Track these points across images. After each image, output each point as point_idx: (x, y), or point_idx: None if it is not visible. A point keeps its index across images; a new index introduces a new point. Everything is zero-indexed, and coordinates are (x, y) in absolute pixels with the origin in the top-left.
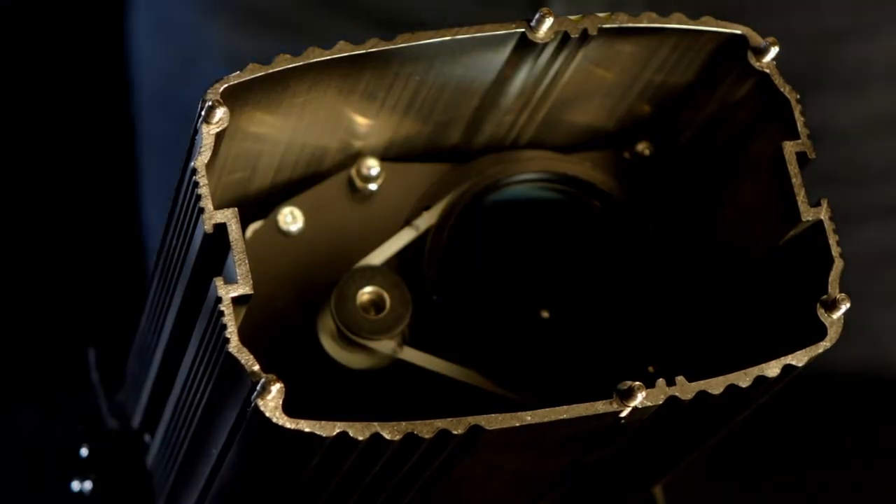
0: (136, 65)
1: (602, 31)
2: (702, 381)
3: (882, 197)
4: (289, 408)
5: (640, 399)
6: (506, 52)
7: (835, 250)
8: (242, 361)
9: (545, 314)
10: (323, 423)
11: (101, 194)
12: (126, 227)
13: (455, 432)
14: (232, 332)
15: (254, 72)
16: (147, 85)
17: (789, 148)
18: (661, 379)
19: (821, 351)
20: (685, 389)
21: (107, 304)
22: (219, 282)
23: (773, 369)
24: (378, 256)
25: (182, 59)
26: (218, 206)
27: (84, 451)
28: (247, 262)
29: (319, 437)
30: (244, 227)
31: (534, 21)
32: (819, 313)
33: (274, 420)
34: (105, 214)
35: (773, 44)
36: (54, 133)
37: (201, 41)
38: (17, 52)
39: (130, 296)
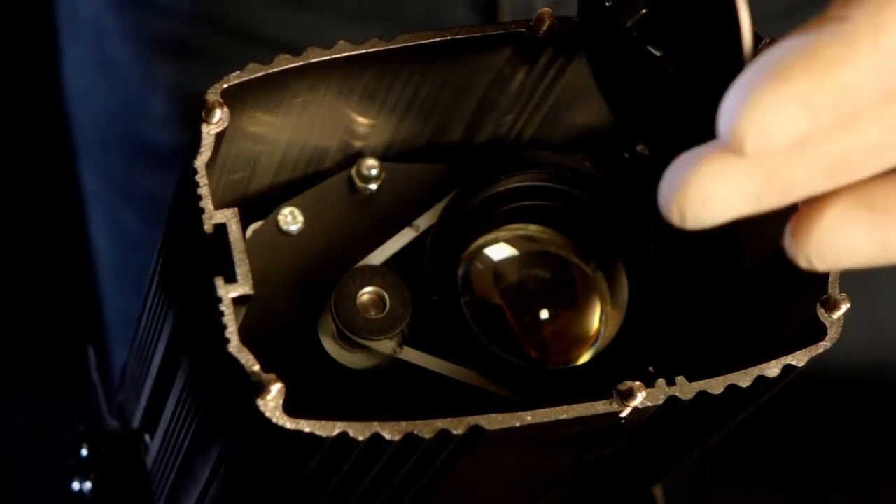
0: (74, 100)
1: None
2: (702, 381)
3: None
4: (289, 408)
5: (640, 399)
6: (506, 52)
7: None
8: (242, 361)
9: (545, 314)
10: (323, 423)
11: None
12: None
13: (455, 432)
14: (232, 332)
15: (254, 72)
16: (89, 120)
17: None
18: (661, 379)
19: (821, 351)
20: (685, 389)
21: (107, 305)
22: (219, 282)
23: (773, 369)
24: (378, 256)
25: (126, 96)
26: (218, 206)
27: (84, 451)
28: (247, 262)
29: (319, 437)
30: (244, 227)
31: (534, 21)
32: (819, 313)
33: (274, 420)
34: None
35: (772, 43)
36: (63, 135)
37: (147, 79)
38: None
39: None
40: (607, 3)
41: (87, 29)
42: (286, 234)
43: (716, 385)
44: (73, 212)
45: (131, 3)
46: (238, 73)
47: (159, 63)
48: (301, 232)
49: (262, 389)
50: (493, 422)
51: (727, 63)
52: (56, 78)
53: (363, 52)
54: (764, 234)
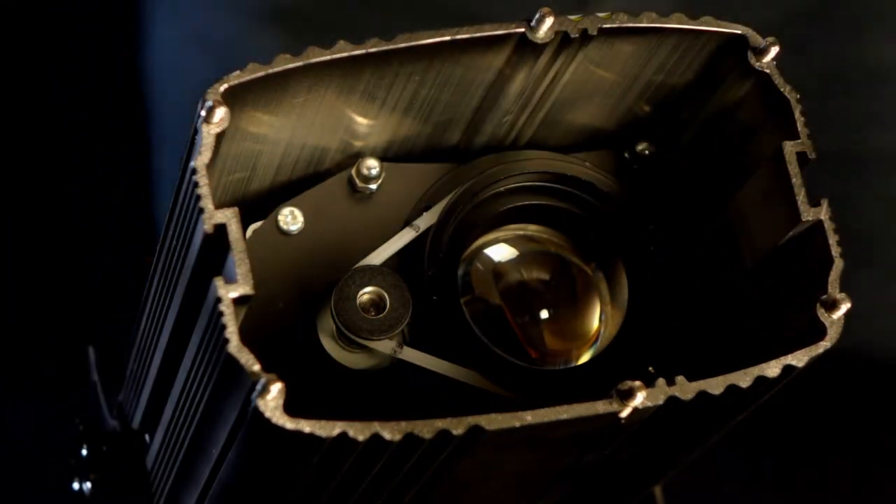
0: (161, 75)
1: (602, 31)
2: (702, 381)
3: None
4: (289, 408)
5: (640, 399)
6: (506, 52)
7: (835, 250)
8: (242, 361)
9: (545, 314)
10: (323, 423)
11: (114, 195)
12: (134, 231)
13: (455, 432)
14: (232, 332)
15: (254, 72)
16: (176, 95)
17: (789, 148)
18: (661, 379)
19: (821, 351)
20: (685, 389)
21: (107, 305)
22: (219, 282)
23: (773, 369)
24: (378, 256)
25: (224, 69)
26: (218, 206)
27: (84, 451)
28: (247, 262)
29: (319, 437)
30: (244, 227)
31: (534, 21)
32: (819, 313)
33: (274, 420)
34: (118, 216)
35: (772, 44)
36: (63, 134)
37: (247, 51)
38: (20, 63)
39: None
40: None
41: (183, 3)
42: (286, 234)
43: (716, 385)
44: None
45: None
46: (238, 72)
47: (259, 34)
48: (301, 232)
49: (262, 389)
50: (493, 422)
51: None
52: (134, 58)
53: (363, 52)
54: (764, 233)
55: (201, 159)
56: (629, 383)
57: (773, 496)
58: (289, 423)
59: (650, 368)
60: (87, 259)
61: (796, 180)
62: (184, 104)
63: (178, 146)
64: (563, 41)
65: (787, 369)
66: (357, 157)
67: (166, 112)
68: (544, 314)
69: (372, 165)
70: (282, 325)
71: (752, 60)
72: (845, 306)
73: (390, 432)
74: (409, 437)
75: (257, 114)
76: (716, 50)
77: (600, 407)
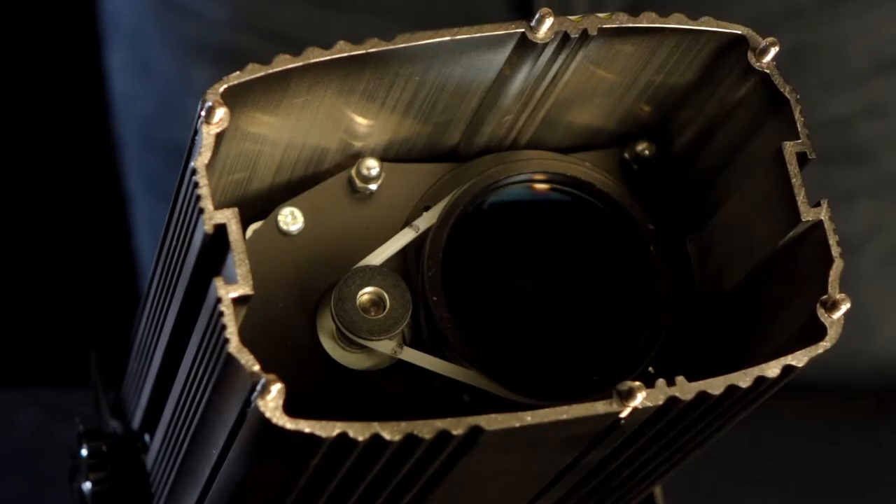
0: (117, 104)
1: (602, 31)
2: (702, 381)
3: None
4: (289, 408)
5: (640, 399)
6: (506, 52)
7: (835, 250)
8: (242, 361)
9: (545, 314)
10: (323, 423)
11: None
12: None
13: (455, 432)
14: (232, 333)
15: (253, 72)
16: (129, 123)
17: (789, 148)
18: (661, 379)
19: (821, 351)
20: (685, 389)
21: (107, 305)
22: (219, 282)
23: (773, 369)
24: (378, 256)
25: (165, 100)
26: (218, 207)
27: (84, 451)
28: (247, 262)
29: (319, 437)
30: (244, 227)
31: (534, 21)
32: (819, 313)
33: (274, 420)
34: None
35: (772, 44)
36: (64, 133)
37: (185, 83)
38: None
39: (128, 299)
40: None
41: (128, 34)
42: (286, 234)
43: (716, 385)
44: (114, 215)
45: (170, 9)
46: (238, 73)
47: (197, 68)
48: (301, 232)
49: (262, 389)
50: (493, 422)
51: None
52: (100, 82)
53: (363, 52)
54: (764, 234)
55: (201, 159)
56: (629, 384)
57: (774, 496)
58: (289, 424)
59: (650, 369)
60: (87, 259)
61: (796, 180)
62: (135, 133)
63: (138, 172)
64: (562, 41)
65: (787, 369)
66: (357, 157)
67: (127, 139)
68: (545, 314)
69: (372, 165)
70: (282, 325)
71: (752, 60)
72: (845, 306)
73: (390, 432)
74: (409, 438)
75: (257, 114)
76: (716, 50)
77: (600, 407)
